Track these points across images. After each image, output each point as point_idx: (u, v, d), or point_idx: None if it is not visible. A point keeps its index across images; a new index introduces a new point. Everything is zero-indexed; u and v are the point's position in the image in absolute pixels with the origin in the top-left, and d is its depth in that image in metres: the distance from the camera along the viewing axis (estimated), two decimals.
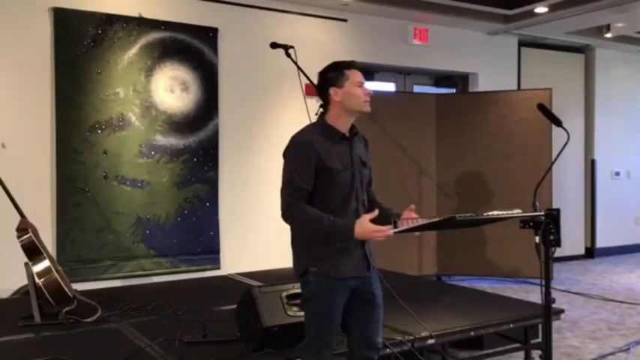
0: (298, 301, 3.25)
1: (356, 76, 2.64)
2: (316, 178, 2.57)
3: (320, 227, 2.51)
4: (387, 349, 3.30)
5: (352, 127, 2.71)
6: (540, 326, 3.98)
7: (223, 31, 5.92)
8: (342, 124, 2.66)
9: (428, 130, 6.89)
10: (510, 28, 7.42)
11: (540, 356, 3.65)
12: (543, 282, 2.64)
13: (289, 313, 3.22)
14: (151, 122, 5.55)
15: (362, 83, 2.64)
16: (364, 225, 2.47)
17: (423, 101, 6.92)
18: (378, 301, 2.75)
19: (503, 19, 7.22)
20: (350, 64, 2.67)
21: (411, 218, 2.62)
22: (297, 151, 2.59)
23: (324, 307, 2.62)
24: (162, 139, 5.60)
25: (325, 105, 2.70)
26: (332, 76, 2.65)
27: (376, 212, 2.53)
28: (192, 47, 5.74)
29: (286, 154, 2.64)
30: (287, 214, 2.58)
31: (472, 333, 3.81)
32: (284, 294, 3.27)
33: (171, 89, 5.65)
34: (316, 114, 4.15)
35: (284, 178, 2.61)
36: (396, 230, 2.56)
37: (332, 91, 2.63)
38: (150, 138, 5.54)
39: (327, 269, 2.58)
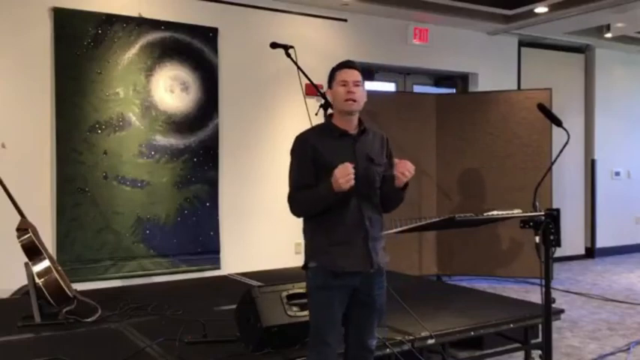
0: (298, 301, 3.27)
1: (340, 75, 2.66)
2: (317, 174, 2.61)
3: (311, 198, 2.59)
4: (387, 349, 3.30)
5: (360, 125, 2.72)
6: (540, 326, 3.98)
7: (223, 31, 5.92)
8: (341, 123, 2.70)
9: (428, 130, 6.88)
10: (510, 28, 7.41)
11: (540, 356, 3.65)
12: (543, 282, 2.64)
13: (289, 313, 3.22)
14: (151, 122, 5.55)
15: (345, 82, 2.63)
16: (334, 173, 2.47)
17: (423, 101, 6.92)
18: (378, 306, 2.73)
19: (503, 19, 7.22)
20: (340, 65, 2.71)
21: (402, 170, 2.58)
22: (295, 148, 2.73)
23: (320, 304, 2.65)
24: (162, 139, 5.60)
25: None
26: (329, 78, 2.74)
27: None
28: (192, 47, 5.74)
29: (290, 152, 2.75)
30: (290, 205, 2.67)
31: (472, 333, 3.81)
32: (284, 294, 3.28)
33: (171, 89, 5.65)
34: (316, 114, 4.16)
35: (288, 175, 2.72)
36: (396, 230, 2.60)
37: (328, 92, 2.77)
38: (150, 138, 5.54)
39: (325, 263, 2.61)
